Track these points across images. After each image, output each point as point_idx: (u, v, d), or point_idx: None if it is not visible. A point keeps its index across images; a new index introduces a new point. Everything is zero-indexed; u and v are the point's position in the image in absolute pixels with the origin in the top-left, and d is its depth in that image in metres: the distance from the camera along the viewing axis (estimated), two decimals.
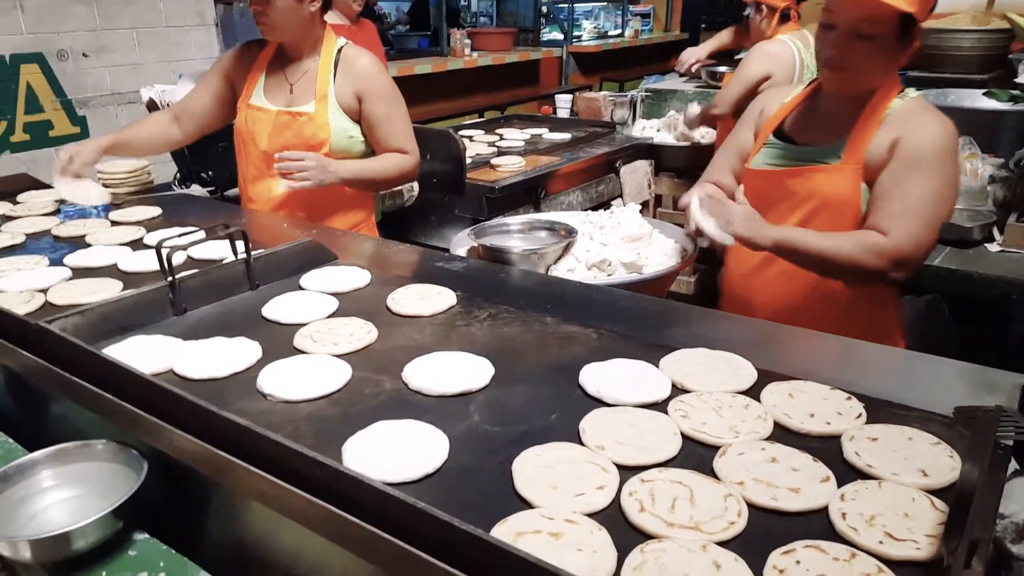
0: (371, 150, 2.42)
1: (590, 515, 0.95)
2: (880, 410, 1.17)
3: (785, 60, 3.51)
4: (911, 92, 1.76)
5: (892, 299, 1.87)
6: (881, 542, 0.88)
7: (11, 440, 1.20)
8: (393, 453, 1.08)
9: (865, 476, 1.02)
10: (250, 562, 1.00)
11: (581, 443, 1.11)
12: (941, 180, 1.66)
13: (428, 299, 1.61)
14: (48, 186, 2.61)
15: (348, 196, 2.42)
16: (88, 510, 0.95)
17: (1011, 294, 2.20)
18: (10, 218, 2.30)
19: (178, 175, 3.17)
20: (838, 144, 1.76)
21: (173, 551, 0.96)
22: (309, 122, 2.29)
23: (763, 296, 1.91)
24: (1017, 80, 3.62)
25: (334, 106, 2.30)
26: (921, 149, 1.65)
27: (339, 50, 2.34)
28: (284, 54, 2.37)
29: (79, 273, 1.83)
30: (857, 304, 1.80)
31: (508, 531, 0.91)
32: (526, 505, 0.98)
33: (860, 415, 1.15)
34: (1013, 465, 0.99)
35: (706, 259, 3.55)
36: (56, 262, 1.90)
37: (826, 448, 1.09)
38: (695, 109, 3.78)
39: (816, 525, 0.94)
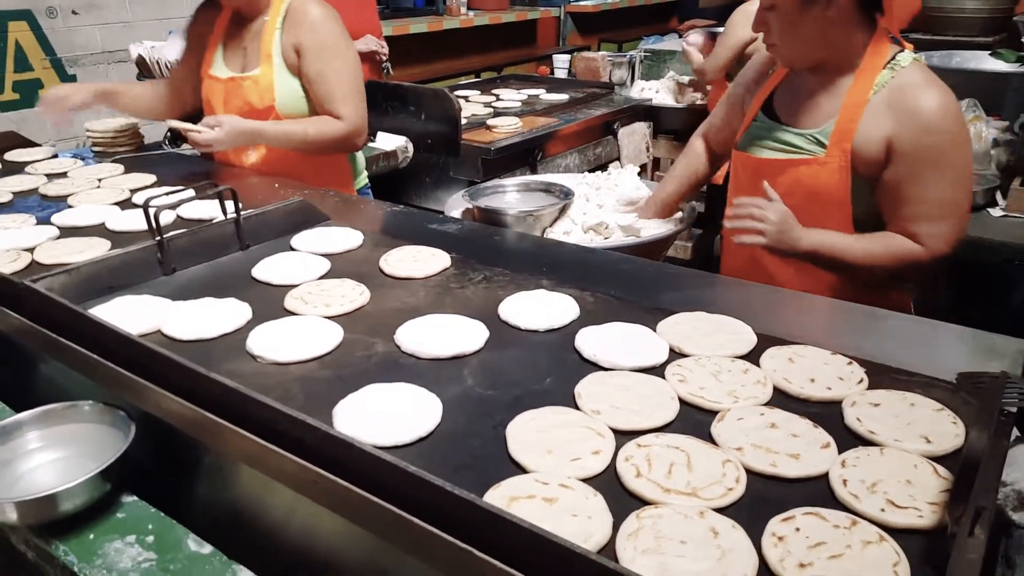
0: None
1: (585, 480, 0.94)
2: (881, 375, 1.15)
3: None
4: (902, 60, 1.58)
5: (900, 293, 1.76)
6: (883, 509, 0.87)
7: None
8: (385, 416, 1.06)
9: (866, 442, 1.00)
10: (239, 525, 0.99)
11: (576, 407, 1.09)
12: (958, 167, 1.55)
13: (422, 261, 1.59)
14: (38, 144, 2.57)
15: (314, 162, 2.28)
16: (75, 472, 0.93)
17: (1014, 260, 2.18)
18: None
19: (168, 134, 3.11)
20: (823, 130, 1.62)
21: (162, 514, 0.95)
22: (254, 85, 2.19)
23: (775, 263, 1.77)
24: None
25: (280, 66, 2.17)
26: (929, 142, 1.51)
27: (291, 3, 2.18)
28: (239, 15, 2.25)
29: (66, 232, 1.80)
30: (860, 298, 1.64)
31: (502, 496, 0.90)
32: (520, 470, 0.97)
33: (861, 380, 1.13)
34: (1014, 432, 0.98)
35: (703, 223, 3.53)
36: (43, 221, 1.87)
37: (827, 414, 1.07)
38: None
39: (816, 492, 0.92)
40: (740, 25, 3.41)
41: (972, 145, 2.50)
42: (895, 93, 1.55)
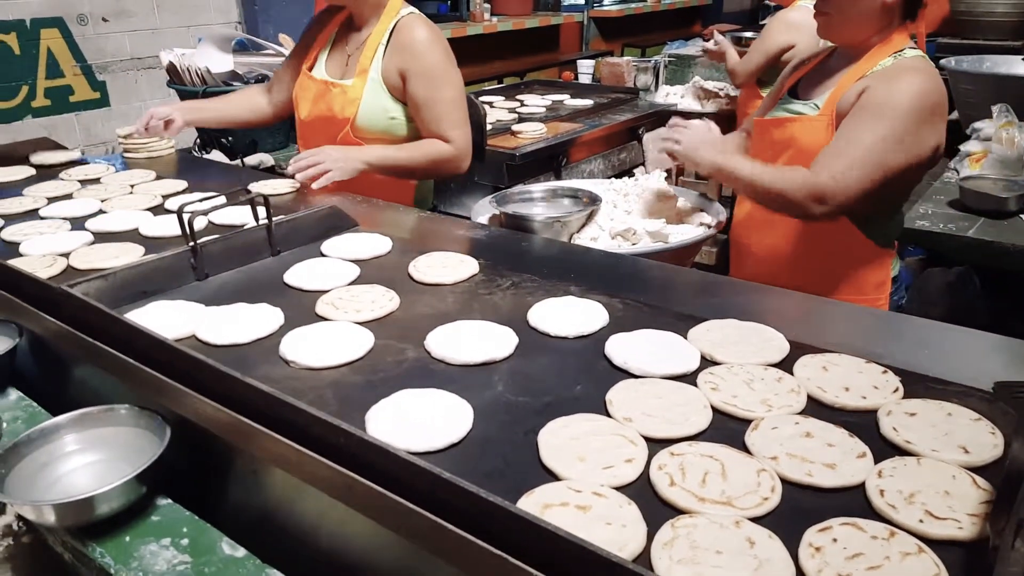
0: (417, 134, 2.24)
1: (619, 488, 0.94)
2: (917, 384, 1.14)
3: (808, 27, 3.44)
4: (909, 52, 1.72)
5: (878, 256, 1.86)
6: (921, 520, 0.86)
7: (34, 404, 1.20)
8: (417, 422, 1.06)
9: (903, 452, 0.99)
10: (272, 529, 0.99)
11: (608, 415, 1.09)
12: (888, 129, 1.62)
13: (450, 267, 1.59)
14: (65, 147, 2.60)
15: (384, 186, 2.24)
16: (111, 475, 0.94)
17: None
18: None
19: (198, 141, 3.16)
20: (821, 97, 1.79)
21: (196, 517, 0.96)
22: (341, 95, 2.18)
23: (758, 241, 1.96)
24: None
25: (375, 83, 2.16)
26: (879, 98, 1.64)
27: (397, 21, 2.16)
28: (351, 22, 2.26)
29: (101, 238, 1.82)
30: (843, 255, 1.84)
31: (535, 503, 0.90)
32: (552, 477, 0.97)
33: (897, 389, 1.11)
34: None
35: (728, 230, 3.53)
36: (78, 226, 1.90)
37: (862, 423, 1.06)
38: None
39: (853, 502, 0.91)
40: (777, 31, 3.38)
41: (1003, 150, 2.49)
42: (891, 68, 1.70)
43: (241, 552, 0.90)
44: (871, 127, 1.63)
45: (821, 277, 1.84)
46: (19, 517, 1.03)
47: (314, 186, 2.08)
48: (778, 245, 1.91)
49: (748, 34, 4.32)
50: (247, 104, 2.48)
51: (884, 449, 1.00)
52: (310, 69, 2.30)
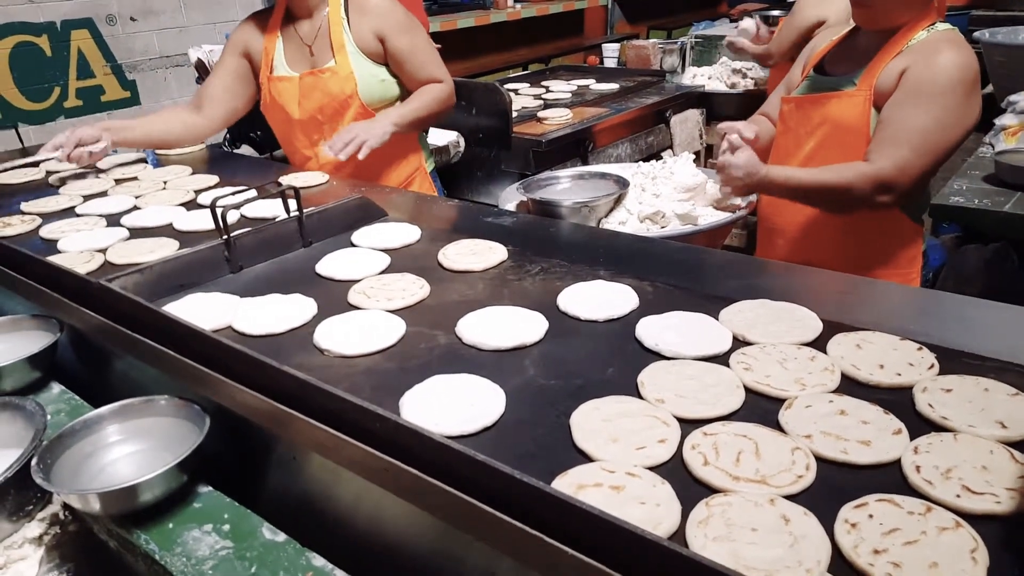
0: (406, 91, 2.31)
1: (652, 468, 0.94)
2: (953, 360, 1.12)
3: (838, 2, 3.38)
4: (940, 25, 1.73)
5: (911, 231, 1.86)
6: (958, 496, 0.85)
7: (76, 396, 1.23)
8: (450, 406, 1.07)
9: (939, 428, 0.98)
10: (310, 514, 1.01)
11: (640, 396, 1.09)
12: (941, 110, 1.64)
13: (479, 254, 1.60)
14: None
15: (394, 148, 2.29)
16: (153, 464, 0.96)
17: None
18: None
19: (227, 136, 3.19)
20: (857, 72, 1.78)
21: (236, 503, 0.98)
22: (333, 77, 2.20)
23: (789, 219, 1.96)
24: None
25: (356, 54, 2.20)
26: (924, 78, 1.64)
27: None
28: (293, 15, 2.26)
29: (136, 233, 1.86)
30: (879, 231, 1.84)
31: (569, 484, 0.90)
32: (585, 458, 0.97)
33: (932, 366, 1.10)
34: None
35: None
36: (113, 223, 1.93)
37: (897, 400, 1.05)
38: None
39: (888, 479, 0.90)
40: (807, 6, 3.33)
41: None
42: (926, 42, 1.69)
43: (281, 537, 0.92)
44: (924, 110, 1.64)
45: (856, 254, 1.84)
46: (65, 506, 1.05)
47: (360, 156, 2.12)
48: (812, 224, 1.90)
49: (776, 12, 4.26)
50: (177, 123, 2.34)
51: (920, 426, 0.99)
52: (272, 73, 2.28)
